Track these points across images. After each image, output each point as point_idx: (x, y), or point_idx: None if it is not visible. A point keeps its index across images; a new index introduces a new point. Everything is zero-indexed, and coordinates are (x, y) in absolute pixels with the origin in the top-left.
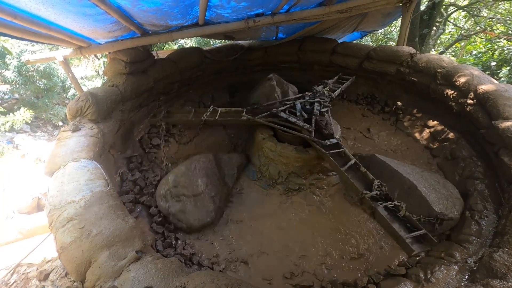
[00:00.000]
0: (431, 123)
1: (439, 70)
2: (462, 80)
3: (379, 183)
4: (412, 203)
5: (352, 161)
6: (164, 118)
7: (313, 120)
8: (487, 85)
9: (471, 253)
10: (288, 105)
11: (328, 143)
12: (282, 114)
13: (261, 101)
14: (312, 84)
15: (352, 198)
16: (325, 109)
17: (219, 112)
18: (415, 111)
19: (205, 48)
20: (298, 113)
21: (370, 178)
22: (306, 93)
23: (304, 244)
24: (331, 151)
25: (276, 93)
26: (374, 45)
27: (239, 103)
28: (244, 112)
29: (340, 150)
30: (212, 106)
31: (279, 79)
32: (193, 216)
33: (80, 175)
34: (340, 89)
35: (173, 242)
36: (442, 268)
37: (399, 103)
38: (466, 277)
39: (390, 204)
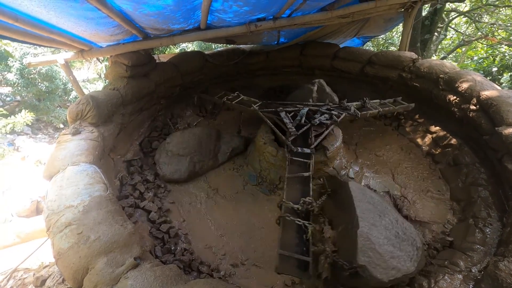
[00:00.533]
0: (433, 128)
1: (441, 75)
2: (464, 85)
3: (309, 200)
4: (345, 245)
5: (306, 174)
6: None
7: (307, 127)
8: (490, 91)
9: (476, 261)
10: (297, 109)
11: (299, 150)
12: (282, 113)
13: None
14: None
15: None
16: (328, 121)
17: (241, 97)
18: (417, 116)
19: (206, 52)
20: (298, 117)
21: (310, 195)
22: (330, 103)
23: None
24: (295, 158)
25: (311, 97)
26: (376, 50)
27: None
28: (257, 105)
29: (307, 161)
30: (237, 92)
31: (322, 85)
32: (169, 169)
33: (79, 179)
34: (372, 111)
35: (172, 248)
36: (446, 277)
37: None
38: (471, 286)
39: (299, 221)
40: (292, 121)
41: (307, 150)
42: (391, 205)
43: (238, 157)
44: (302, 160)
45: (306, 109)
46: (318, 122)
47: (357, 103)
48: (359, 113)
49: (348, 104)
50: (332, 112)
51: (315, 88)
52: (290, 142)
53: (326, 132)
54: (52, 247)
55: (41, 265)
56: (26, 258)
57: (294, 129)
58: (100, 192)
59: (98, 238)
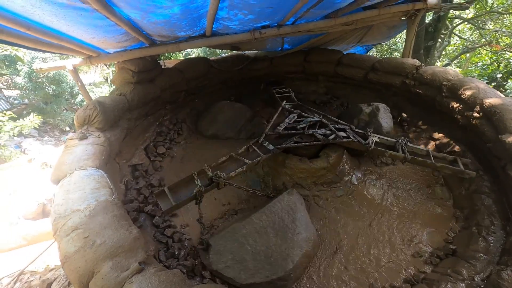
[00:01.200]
0: (437, 135)
1: (444, 82)
2: (468, 93)
3: (221, 175)
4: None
5: (246, 161)
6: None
7: (295, 133)
8: (493, 99)
9: (479, 270)
10: (310, 116)
11: (265, 144)
12: (291, 114)
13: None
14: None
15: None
16: (321, 136)
17: (288, 94)
18: (420, 123)
19: (211, 58)
20: (302, 123)
21: (229, 174)
22: (351, 126)
23: None
24: (257, 148)
25: (358, 118)
26: (380, 56)
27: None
28: (289, 103)
29: (261, 155)
30: (289, 89)
31: (377, 110)
32: (202, 124)
33: (86, 184)
34: (395, 153)
35: (176, 253)
36: (448, 285)
37: (404, 115)
38: None
39: (197, 181)
40: (290, 122)
41: (270, 147)
42: (307, 242)
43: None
44: (260, 152)
45: (316, 119)
46: (310, 132)
47: (389, 139)
48: (372, 146)
49: (371, 134)
50: (338, 132)
51: (367, 110)
52: (272, 137)
53: (305, 144)
54: (58, 251)
55: (47, 268)
56: (33, 260)
57: (281, 128)
58: (106, 197)
59: (103, 243)
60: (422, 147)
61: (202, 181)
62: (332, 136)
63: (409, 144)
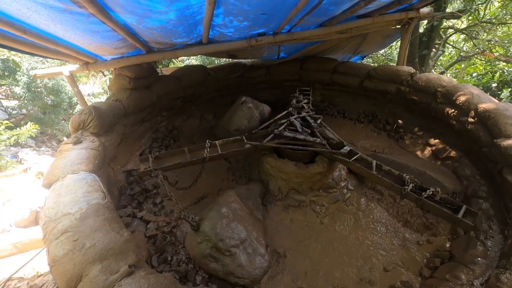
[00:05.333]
0: (433, 141)
1: (439, 89)
2: (462, 98)
3: (409, 177)
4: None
5: (374, 163)
6: (157, 166)
7: (317, 133)
8: (487, 104)
9: (477, 275)
10: (285, 124)
11: (344, 151)
12: (287, 133)
13: (243, 125)
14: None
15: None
16: (319, 120)
17: (218, 145)
18: (416, 129)
19: (208, 66)
20: (299, 130)
21: (396, 174)
22: (290, 109)
23: (304, 264)
24: (352, 159)
25: (254, 114)
26: (375, 65)
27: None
28: (245, 140)
29: (357, 155)
30: (208, 141)
31: (252, 100)
32: (252, 266)
33: (78, 187)
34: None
35: (169, 258)
36: None
37: (400, 121)
38: None
39: (429, 192)
40: (305, 135)
41: (347, 148)
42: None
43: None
44: (354, 157)
45: (296, 120)
46: (316, 124)
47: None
48: (346, 159)
49: (293, 103)
50: (306, 113)
51: (251, 105)
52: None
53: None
54: (47, 255)
55: (36, 274)
56: (21, 267)
57: (319, 139)
58: (98, 200)
59: (93, 245)
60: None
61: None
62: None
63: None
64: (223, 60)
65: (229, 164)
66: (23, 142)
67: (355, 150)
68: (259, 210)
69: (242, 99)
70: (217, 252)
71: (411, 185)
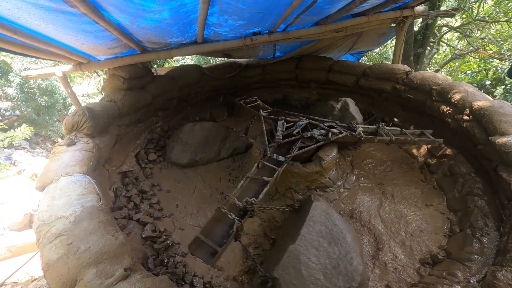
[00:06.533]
0: None
1: (434, 87)
2: (457, 96)
3: (252, 201)
4: (275, 256)
5: (266, 179)
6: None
7: (296, 138)
8: (482, 102)
9: (474, 272)
10: (298, 120)
11: (274, 156)
12: (279, 121)
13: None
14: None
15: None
16: (321, 137)
17: (257, 103)
18: (412, 127)
19: (204, 66)
20: (294, 128)
21: (257, 197)
22: (336, 121)
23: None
24: (268, 163)
25: (332, 115)
26: (370, 64)
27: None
28: (266, 111)
29: (277, 168)
30: (255, 97)
31: (347, 105)
32: (175, 153)
33: (72, 190)
34: (381, 138)
35: (165, 260)
36: None
37: (395, 119)
38: None
39: (231, 215)
40: (283, 130)
41: (281, 158)
42: (355, 240)
43: (239, 156)
44: (273, 166)
45: (305, 121)
46: (309, 135)
47: (370, 126)
48: (364, 136)
49: (356, 125)
50: (332, 130)
51: (338, 106)
52: (273, 148)
53: (311, 146)
54: (41, 259)
55: (30, 278)
56: (15, 272)
57: (280, 137)
58: (92, 203)
59: (88, 249)
60: (394, 128)
61: (234, 214)
62: (329, 135)
63: (385, 127)
64: (219, 60)
65: (227, 164)
66: (17, 144)
67: (281, 165)
68: (226, 152)
69: (342, 98)
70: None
71: (239, 203)
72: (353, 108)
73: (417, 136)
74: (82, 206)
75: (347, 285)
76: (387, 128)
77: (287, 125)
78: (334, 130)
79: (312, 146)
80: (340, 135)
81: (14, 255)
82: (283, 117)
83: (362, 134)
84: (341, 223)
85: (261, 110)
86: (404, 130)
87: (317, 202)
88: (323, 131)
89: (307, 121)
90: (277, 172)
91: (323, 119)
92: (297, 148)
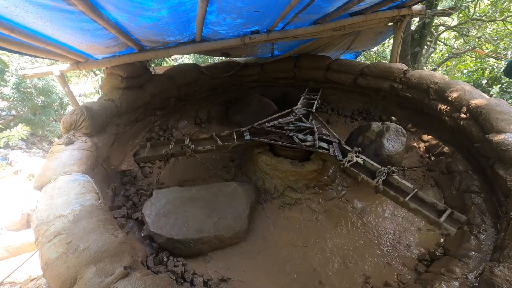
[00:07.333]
0: (426, 137)
1: (431, 85)
2: (454, 95)
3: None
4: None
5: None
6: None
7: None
8: (479, 100)
9: (472, 268)
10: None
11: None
12: (295, 137)
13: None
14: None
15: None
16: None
17: (217, 140)
18: (409, 126)
19: (202, 65)
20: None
21: (374, 169)
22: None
23: (299, 260)
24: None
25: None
26: (368, 63)
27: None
28: (247, 133)
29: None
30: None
31: (386, 130)
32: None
33: (71, 189)
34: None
35: (165, 259)
36: (442, 284)
37: (393, 118)
38: None
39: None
40: (282, 122)
41: (247, 138)
42: (225, 223)
43: (237, 155)
44: (235, 139)
45: (307, 125)
46: (290, 134)
47: (375, 164)
48: (346, 164)
49: (357, 153)
50: (321, 143)
51: (376, 129)
52: (257, 131)
53: (279, 144)
54: (40, 258)
55: (28, 278)
56: (13, 271)
57: (269, 125)
58: (91, 202)
59: (87, 247)
60: (410, 185)
61: (175, 147)
62: (309, 143)
63: (396, 176)
64: (217, 59)
65: (225, 162)
66: (13, 144)
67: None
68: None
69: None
70: None
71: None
72: (391, 136)
73: (435, 210)
74: (81, 205)
75: (179, 233)
76: (398, 179)
77: (293, 122)
78: (322, 143)
79: (279, 144)
80: (319, 150)
81: (12, 255)
82: (300, 115)
83: (345, 163)
84: (234, 213)
85: (300, 106)
86: (421, 194)
87: (238, 185)
88: (308, 138)
89: (311, 127)
90: (231, 143)
91: (333, 133)
92: (269, 139)
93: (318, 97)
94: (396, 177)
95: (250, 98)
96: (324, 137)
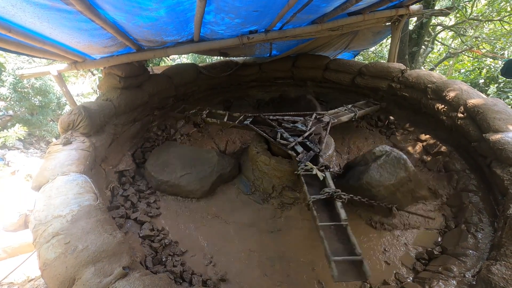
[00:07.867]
0: (424, 137)
1: (429, 85)
2: (451, 94)
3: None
4: None
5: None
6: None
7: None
8: (476, 99)
9: (469, 267)
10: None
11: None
12: (279, 133)
13: None
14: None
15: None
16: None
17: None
18: (407, 125)
19: (200, 65)
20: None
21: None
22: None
23: (300, 258)
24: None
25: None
26: (366, 62)
27: None
28: (250, 119)
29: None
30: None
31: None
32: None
33: (69, 189)
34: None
35: (163, 259)
36: (440, 283)
37: (391, 117)
38: None
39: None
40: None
41: (247, 121)
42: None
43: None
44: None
45: (307, 132)
46: (284, 135)
47: (331, 188)
48: (299, 171)
49: (323, 167)
50: (299, 148)
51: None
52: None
53: (264, 132)
54: (38, 258)
55: (26, 279)
56: (11, 272)
57: (273, 118)
58: (90, 202)
59: (86, 248)
60: (345, 217)
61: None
62: (284, 142)
63: (339, 203)
64: (215, 58)
65: None
66: (11, 144)
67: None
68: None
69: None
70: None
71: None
72: (385, 166)
73: (365, 105)
74: (79, 205)
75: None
76: (338, 206)
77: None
78: (298, 148)
79: (264, 133)
80: (289, 151)
81: (10, 256)
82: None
83: (301, 170)
84: (213, 170)
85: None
86: (348, 229)
87: (221, 157)
88: (291, 138)
89: (309, 133)
90: (231, 122)
91: (319, 147)
92: (261, 130)
93: (359, 112)
94: (339, 203)
95: (301, 96)
96: (308, 143)
